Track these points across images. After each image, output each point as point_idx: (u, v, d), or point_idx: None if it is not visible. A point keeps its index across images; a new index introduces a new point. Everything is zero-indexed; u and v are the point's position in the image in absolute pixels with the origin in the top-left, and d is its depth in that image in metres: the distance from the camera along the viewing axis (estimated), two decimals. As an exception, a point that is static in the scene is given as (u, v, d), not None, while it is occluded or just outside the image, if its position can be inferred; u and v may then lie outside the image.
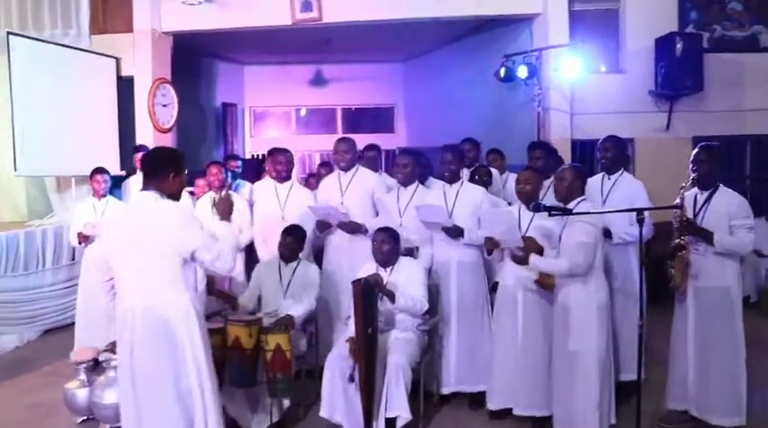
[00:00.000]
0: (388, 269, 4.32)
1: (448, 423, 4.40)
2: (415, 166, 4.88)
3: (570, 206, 3.87)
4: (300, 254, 4.71)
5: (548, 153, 5.33)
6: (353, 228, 5.01)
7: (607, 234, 4.28)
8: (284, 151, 5.54)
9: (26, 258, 6.45)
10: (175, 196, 3.18)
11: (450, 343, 4.61)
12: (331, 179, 5.41)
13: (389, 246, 4.31)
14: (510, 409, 4.24)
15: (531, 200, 4.19)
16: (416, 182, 4.92)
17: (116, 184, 6.79)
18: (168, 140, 8.39)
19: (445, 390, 4.62)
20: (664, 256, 4.08)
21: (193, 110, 10.65)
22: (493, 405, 4.32)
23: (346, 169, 5.26)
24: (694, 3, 8.24)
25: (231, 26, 8.07)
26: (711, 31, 8.27)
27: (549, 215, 3.92)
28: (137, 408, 3.05)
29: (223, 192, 3.64)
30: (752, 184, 8.45)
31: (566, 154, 7.69)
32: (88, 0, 7.96)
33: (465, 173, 5.33)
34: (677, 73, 7.64)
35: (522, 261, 3.97)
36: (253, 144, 12.49)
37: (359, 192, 5.18)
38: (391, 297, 4.08)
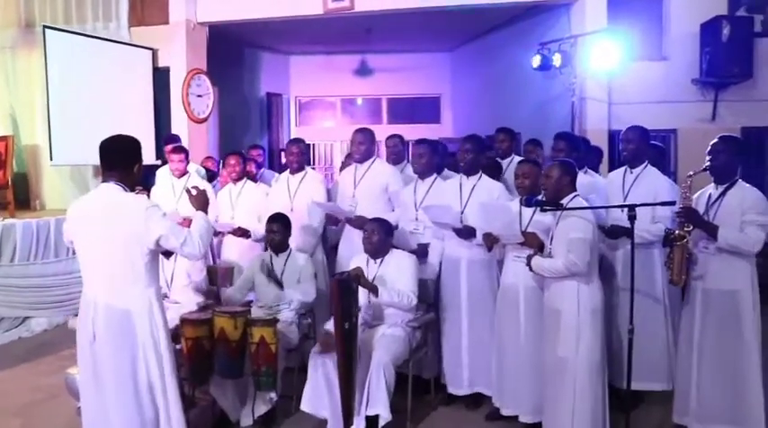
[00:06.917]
0: (378, 260, 4.21)
1: (440, 422, 4.27)
2: (433, 157, 4.70)
3: (563, 203, 3.66)
4: (291, 243, 4.66)
5: (572, 145, 4.90)
6: (361, 223, 4.84)
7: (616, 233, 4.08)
8: (297, 141, 5.46)
9: (56, 245, 6.62)
10: (135, 185, 3.17)
11: (462, 343, 4.40)
12: (348, 171, 5.26)
13: (379, 237, 4.19)
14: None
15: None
16: (435, 175, 4.74)
17: (152, 173, 6.88)
18: (204, 130, 8.54)
19: (460, 392, 4.43)
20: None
21: (236, 100, 10.80)
22: (507, 410, 4.09)
23: (361, 161, 5.08)
24: (747, -16, 7.73)
25: (263, 16, 8.13)
26: (766, 14, 7.73)
27: (542, 210, 3.76)
28: (100, 398, 3.05)
29: (191, 188, 3.55)
30: (804, 178, 7.89)
31: (603, 145, 7.35)
32: (128, -7, 8.20)
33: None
34: (723, 59, 7.22)
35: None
36: (298, 133, 12.48)
37: (371, 186, 5.00)
38: (374, 290, 3.95)
